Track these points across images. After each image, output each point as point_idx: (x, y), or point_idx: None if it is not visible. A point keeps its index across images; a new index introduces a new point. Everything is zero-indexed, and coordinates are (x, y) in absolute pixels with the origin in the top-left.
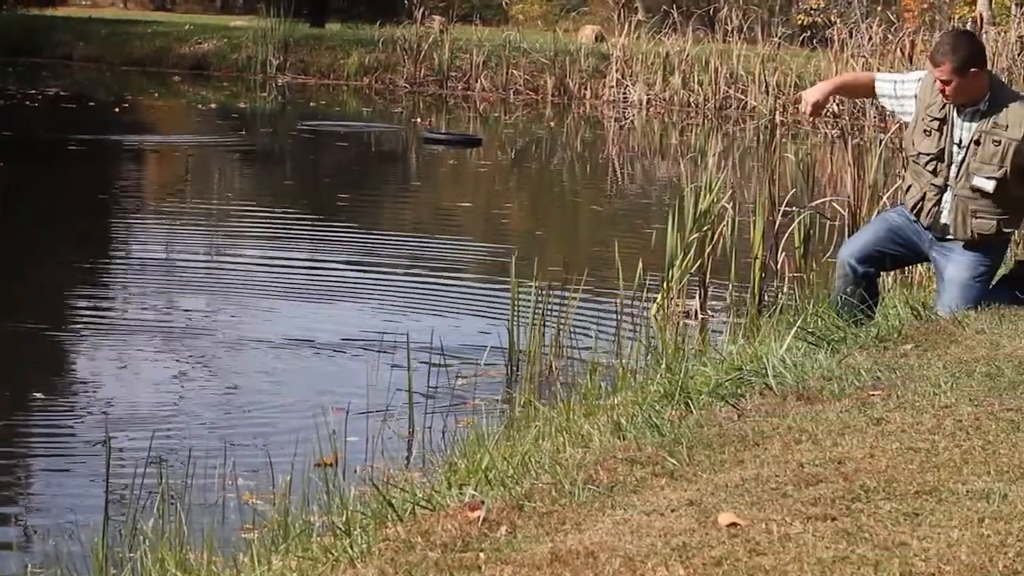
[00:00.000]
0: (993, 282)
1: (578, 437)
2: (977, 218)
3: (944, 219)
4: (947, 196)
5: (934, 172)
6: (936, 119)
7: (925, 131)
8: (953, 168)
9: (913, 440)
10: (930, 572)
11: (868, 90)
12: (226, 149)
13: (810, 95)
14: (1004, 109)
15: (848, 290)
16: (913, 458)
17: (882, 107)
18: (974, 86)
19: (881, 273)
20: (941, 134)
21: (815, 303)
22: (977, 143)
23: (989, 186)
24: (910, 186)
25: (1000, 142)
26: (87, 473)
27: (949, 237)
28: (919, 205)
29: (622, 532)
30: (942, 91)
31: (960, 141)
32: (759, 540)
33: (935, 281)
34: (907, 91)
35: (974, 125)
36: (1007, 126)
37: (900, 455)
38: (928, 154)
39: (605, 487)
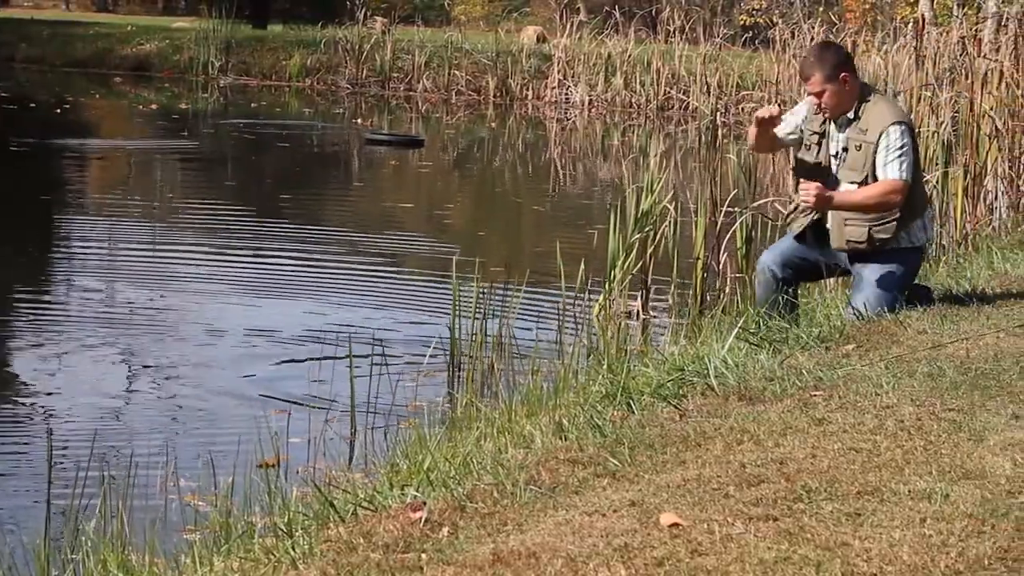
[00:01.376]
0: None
1: (520, 438)
2: (848, 225)
3: (827, 227)
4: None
5: (819, 175)
6: (816, 133)
7: (807, 146)
8: (830, 179)
9: (855, 440)
10: (872, 572)
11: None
12: (166, 150)
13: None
14: (867, 114)
15: (771, 299)
16: (855, 458)
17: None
18: (846, 92)
19: (801, 283)
20: (820, 148)
21: (757, 304)
22: (846, 150)
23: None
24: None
25: (861, 147)
26: (28, 474)
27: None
28: (791, 213)
29: (564, 533)
30: (819, 106)
31: (836, 153)
32: (701, 540)
33: (851, 285)
34: (799, 111)
35: (845, 134)
36: (867, 130)
37: (842, 455)
38: (810, 165)
39: (547, 488)
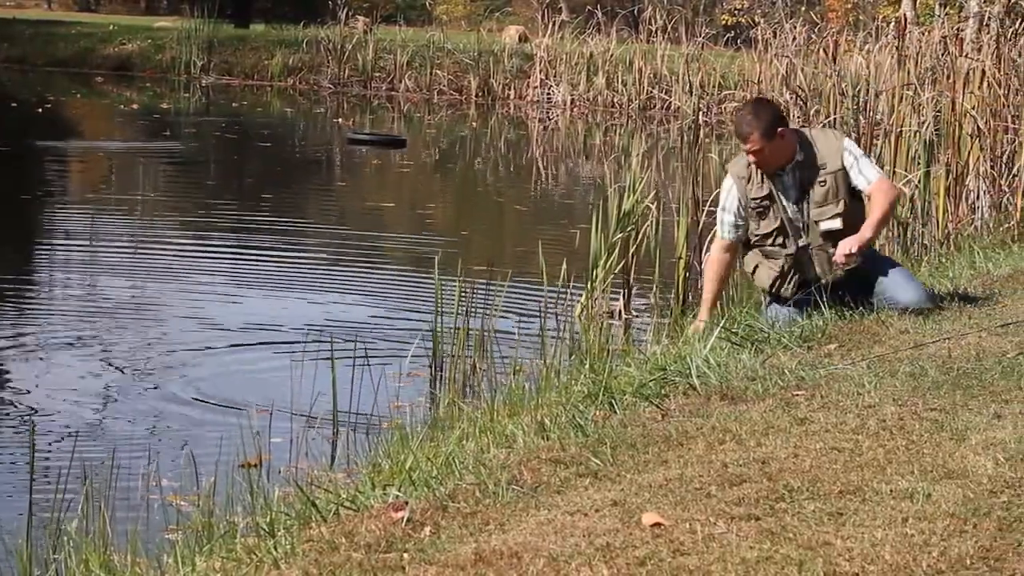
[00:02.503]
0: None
1: (502, 437)
2: (832, 250)
3: (817, 273)
4: (807, 255)
5: (783, 245)
6: (761, 198)
7: (759, 214)
8: (800, 227)
9: (837, 440)
10: (854, 572)
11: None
12: (148, 152)
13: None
14: (814, 150)
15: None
16: (837, 458)
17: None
18: (785, 145)
19: None
20: (773, 208)
21: (739, 303)
22: (807, 192)
23: (837, 224)
24: (756, 266)
25: (825, 181)
26: (10, 474)
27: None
28: (777, 283)
29: (546, 532)
30: (757, 164)
31: (794, 201)
32: (683, 540)
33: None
34: (731, 204)
35: (797, 179)
36: (824, 164)
37: (824, 455)
38: (769, 232)
39: (529, 487)
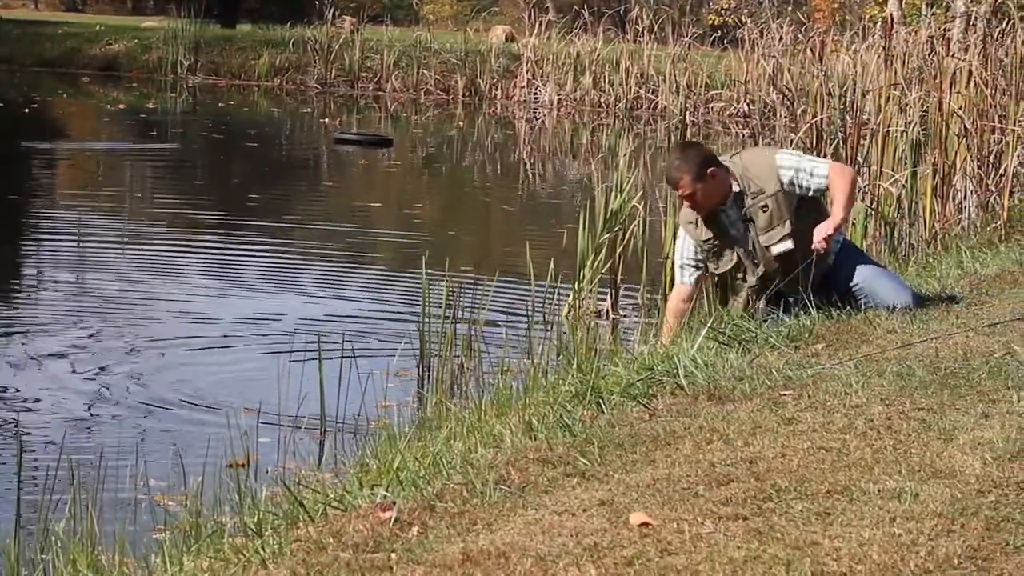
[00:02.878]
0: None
1: (489, 437)
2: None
3: (784, 291)
4: (768, 283)
5: (744, 279)
6: (711, 240)
7: (714, 254)
8: (755, 259)
9: (824, 440)
10: (842, 571)
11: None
12: (134, 152)
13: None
14: (747, 179)
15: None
16: (824, 458)
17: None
18: (718, 184)
19: None
20: (725, 247)
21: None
22: (751, 222)
23: (788, 244)
24: (725, 299)
25: (767, 206)
26: None
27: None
28: (749, 309)
29: (533, 532)
30: (694, 207)
31: (743, 233)
32: (670, 540)
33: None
34: (687, 251)
35: (739, 211)
36: (761, 189)
37: (811, 455)
38: (728, 270)
39: (516, 487)
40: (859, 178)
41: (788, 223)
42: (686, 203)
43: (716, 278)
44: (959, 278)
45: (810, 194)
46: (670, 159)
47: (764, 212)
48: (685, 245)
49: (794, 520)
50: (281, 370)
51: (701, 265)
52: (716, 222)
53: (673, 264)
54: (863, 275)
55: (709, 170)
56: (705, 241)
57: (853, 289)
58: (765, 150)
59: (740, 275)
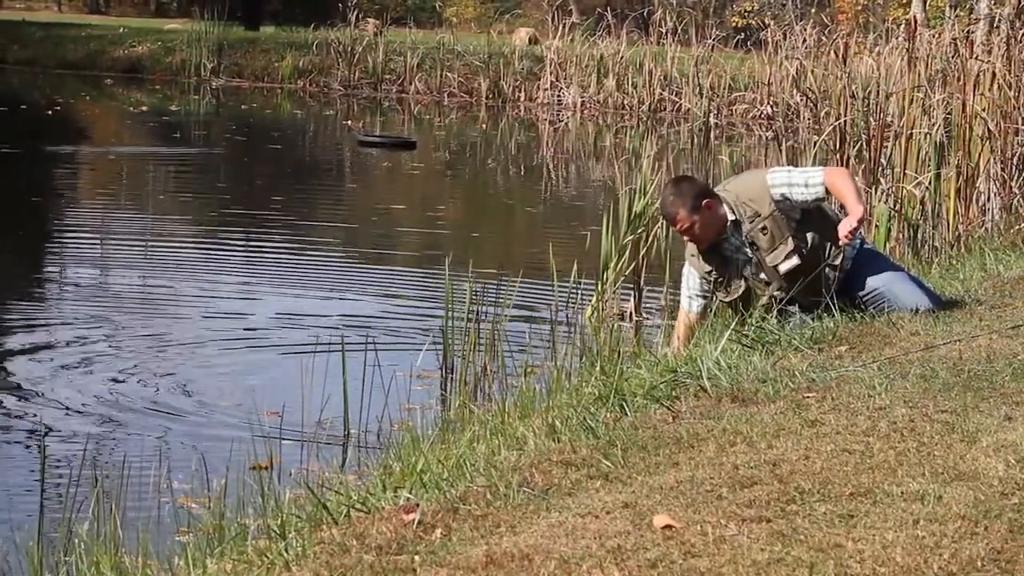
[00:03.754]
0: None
1: (513, 440)
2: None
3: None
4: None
5: (752, 305)
6: (714, 271)
7: (721, 284)
8: (763, 281)
9: (848, 442)
10: (865, 574)
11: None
12: (157, 153)
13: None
14: (741, 205)
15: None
16: (848, 460)
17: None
18: (715, 216)
19: None
20: (732, 277)
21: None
22: (754, 246)
23: (795, 260)
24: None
25: (766, 228)
26: (22, 477)
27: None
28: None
29: (557, 535)
30: (693, 241)
31: (749, 258)
32: (694, 542)
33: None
34: (693, 284)
35: (740, 238)
36: (756, 212)
37: (835, 457)
38: (737, 299)
39: (540, 490)
40: (846, 173)
41: (790, 239)
42: (685, 238)
43: (728, 304)
44: (982, 280)
45: (810, 205)
46: (664, 194)
47: (764, 234)
48: (691, 279)
49: (817, 522)
50: (304, 372)
51: (708, 295)
52: (718, 253)
53: (681, 292)
54: (883, 280)
55: (704, 202)
56: (708, 272)
57: (873, 294)
58: (755, 173)
59: (749, 302)
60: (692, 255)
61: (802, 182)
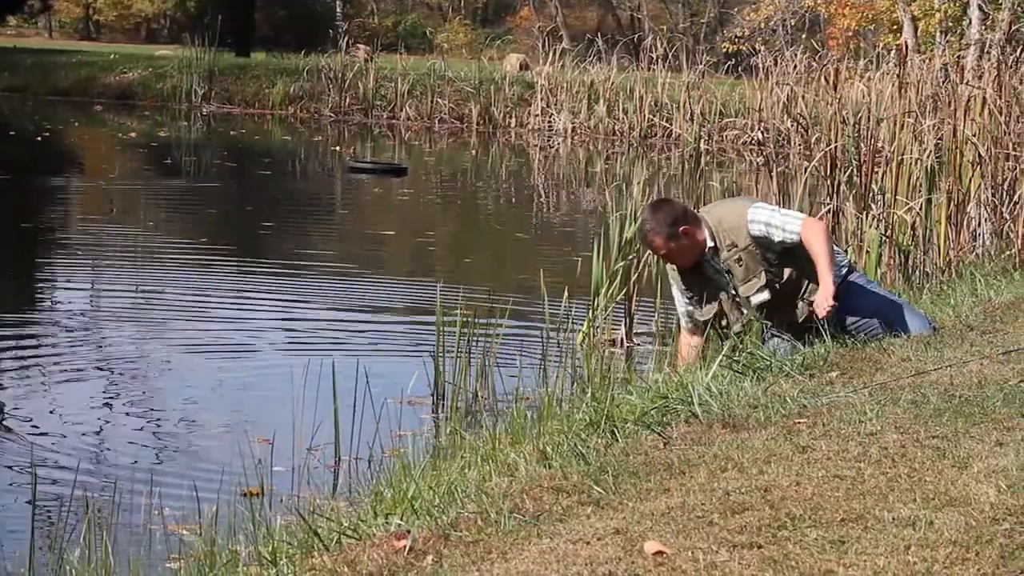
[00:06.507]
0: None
1: (504, 466)
2: (783, 312)
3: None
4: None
5: (727, 327)
6: (692, 289)
7: (697, 302)
8: (737, 306)
9: (839, 468)
10: None
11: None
12: (147, 178)
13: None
14: (721, 232)
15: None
16: (839, 486)
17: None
18: (693, 241)
19: None
20: (709, 297)
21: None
22: (730, 273)
23: (765, 295)
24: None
25: (741, 259)
26: (12, 503)
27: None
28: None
29: (548, 561)
30: (673, 264)
31: (724, 284)
32: (685, 568)
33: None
34: (680, 300)
35: (718, 263)
36: (734, 243)
37: (826, 483)
38: (710, 318)
39: (531, 516)
40: (822, 231)
41: (763, 274)
42: (664, 262)
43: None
44: (973, 306)
45: (779, 247)
46: (641, 219)
47: (740, 265)
48: (678, 296)
49: (809, 548)
50: (295, 398)
51: (696, 306)
52: (700, 272)
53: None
54: (871, 308)
55: (680, 228)
56: (686, 289)
57: (862, 323)
58: (738, 203)
59: (724, 323)
60: (672, 269)
61: (780, 225)
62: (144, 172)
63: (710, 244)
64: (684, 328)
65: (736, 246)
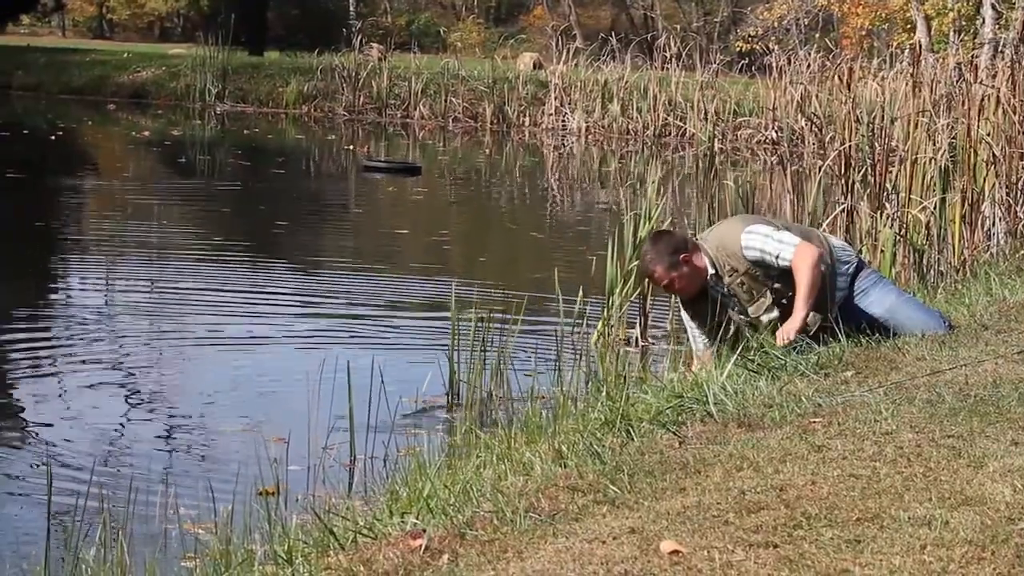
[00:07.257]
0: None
1: (520, 465)
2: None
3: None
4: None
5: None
6: (701, 319)
7: (711, 333)
8: (750, 324)
9: (854, 467)
10: None
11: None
12: (160, 178)
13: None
14: (723, 256)
15: None
16: (854, 485)
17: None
18: (694, 270)
19: None
20: (720, 321)
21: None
22: (735, 296)
23: (774, 313)
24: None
25: (743, 283)
26: (28, 502)
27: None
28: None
29: (564, 560)
30: (676, 294)
31: (733, 307)
32: (701, 568)
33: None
34: (691, 327)
35: (722, 288)
36: (734, 268)
37: (841, 482)
38: (728, 338)
39: (547, 515)
40: (814, 261)
41: (768, 293)
42: (669, 293)
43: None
44: (988, 305)
45: (777, 270)
46: (642, 252)
47: (743, 288)
48: (689, 324)
49: (824, 548)
50: (311, 397)
51: (706, 334)
52: (707, 297)
53: (687, 334)
54: (886, 308)
55: (681, 257)
56: (694, 316)
57: (877, 323)
58: (734, 226)
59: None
60: (680, 300)
61: (774, 253)
62: (158, 171)
63: (711, 271)
64: (698, 352)
65: (737, 271)
